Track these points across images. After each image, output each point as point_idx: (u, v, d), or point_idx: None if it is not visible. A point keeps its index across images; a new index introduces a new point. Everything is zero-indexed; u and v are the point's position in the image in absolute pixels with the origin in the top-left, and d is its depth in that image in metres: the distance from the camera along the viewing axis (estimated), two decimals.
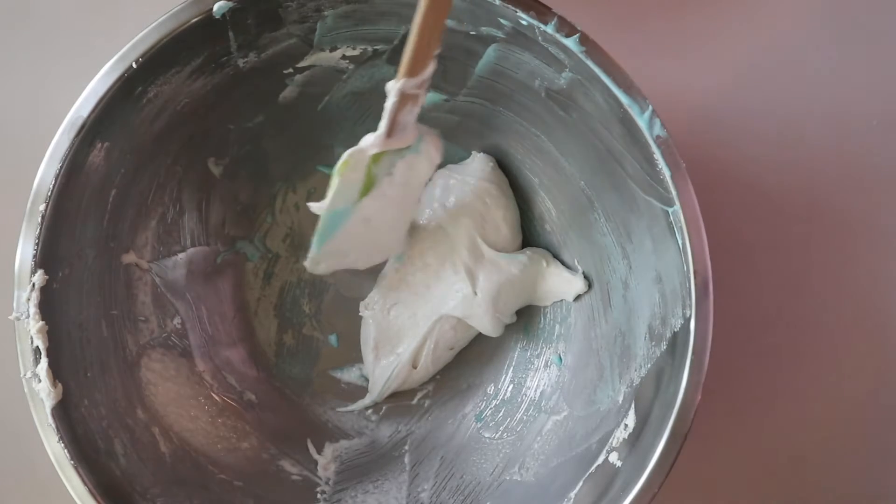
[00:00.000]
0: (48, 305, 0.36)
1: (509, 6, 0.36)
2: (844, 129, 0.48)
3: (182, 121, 0.41)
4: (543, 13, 0.36)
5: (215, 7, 0.37)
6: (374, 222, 0.41)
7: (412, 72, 0.35)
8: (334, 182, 0.38)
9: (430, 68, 0.35)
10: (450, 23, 0.38)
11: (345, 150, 0.44)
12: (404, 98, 0.36)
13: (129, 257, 0.41)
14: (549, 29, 0.36)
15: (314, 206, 0.39)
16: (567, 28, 0.36)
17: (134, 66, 0.37)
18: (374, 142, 0.38)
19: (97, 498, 0.35)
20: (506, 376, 0.46)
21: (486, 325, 0.43)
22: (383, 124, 0.37)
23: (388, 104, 0.37)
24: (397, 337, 0.45)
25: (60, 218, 0.37)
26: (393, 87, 0.36)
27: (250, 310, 0.47)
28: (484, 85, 0.42)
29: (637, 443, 0.36)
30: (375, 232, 0.42)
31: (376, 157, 0.39)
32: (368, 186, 0.39)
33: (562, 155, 0.42)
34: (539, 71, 0.39)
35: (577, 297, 0.44)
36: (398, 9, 0.39)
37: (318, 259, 0.41)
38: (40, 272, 0.36)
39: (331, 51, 0.42)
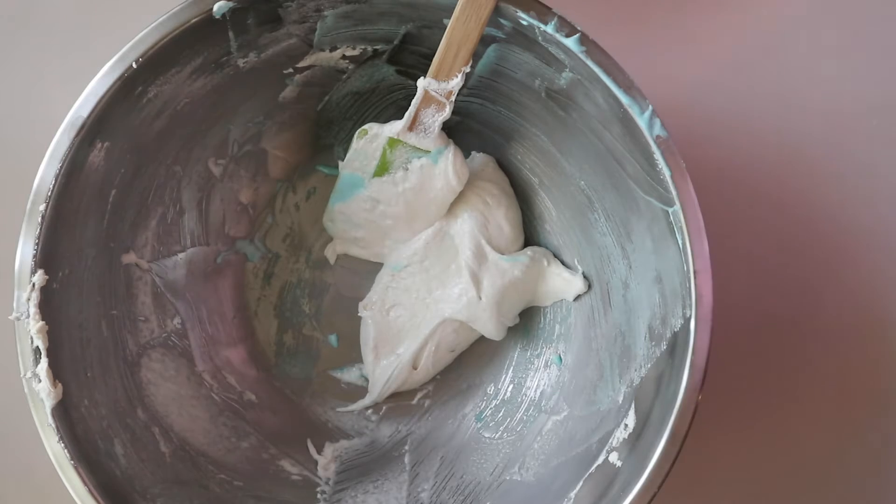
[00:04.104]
0: (48, 305, 0.36)
1: (509, 6, 0.36)
2: (845, 129, 0.48)
3: (182, 121, 0.41)
4: (543, 13, 0.36)
5: (215, 7, 0.37)
6: (382, 208, 0.44)
7: (437, 74, 0.38)
8: (352, 145, 0.43)
9: (456, 80, 0.38)
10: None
11: (344, 151, 0.44)
12: (428, 98, 0.39)
13: (129, 257, 0.41)
14: (549, 29, 0.36)
15: (340, 164, 0.44)
16: (567, 28, 0.36)
17: (134, 66, 0.37)
18: (394, 127, 0.41)
19: (97, 498, 0.35)
20: (506, 376, 0.46)
21: (490, 328, 0.43)
22: (406, 115, 0.40)
23: (414, 99, 0.39)
24: (397, 338, 0.45)
25: (60, 218, 0.37)
26: (419, 83, 0.39)
27: (250, 310, 0.47)
28: (484, 85, 0.42)
29: (637, 443, 0.36)
30: (382, 218, 0.44)
31: (393, 144, 0.41)
32: (383, 169, 0.42)
33: (562, 155, 0.42)
34: (539, 71, 0.39)
35: (577, 297, 0.44)
36: (398, 9, 0.39)
37: (332, 217, 0.46)
38: (40, 272, 0.36)
39: (331, 51, 0.42)
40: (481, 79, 0.42)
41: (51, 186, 0.36)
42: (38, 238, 0.36)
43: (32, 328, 0.36)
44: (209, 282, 0.46)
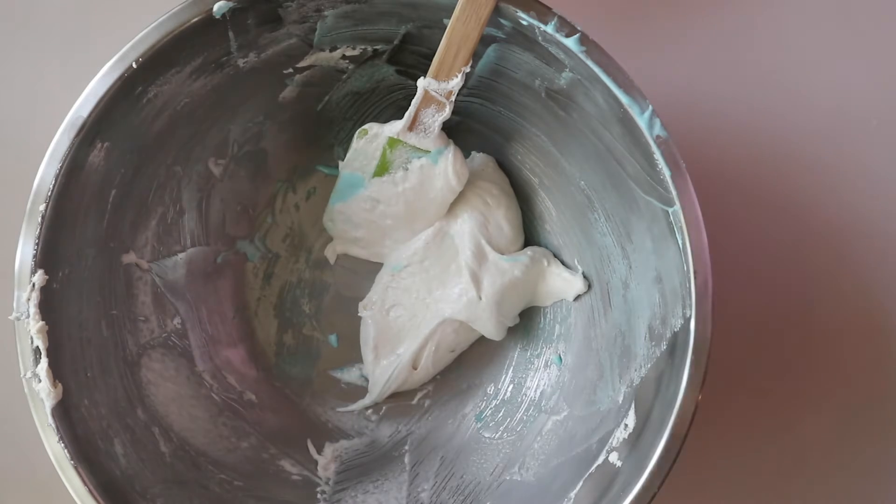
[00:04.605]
0: (48, 305, 0.36)
1: (509, 6, 0.36)
2: (845, 129, 0.48)
3: (182, 121, 0.41)
4: (543, 13, 0.36)
5: (215, 7, 0.37)
6: (382, 208, 0.44)
7: (437, 74, 0.38)
8: (352, 145, 0.43)
9: (456, 80, 0.38)
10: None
11: (344, 151, 0.44)
12: (428, 98, 0.39)
13: (129, 257, 0.41)
14: (549, 29, 0.36)
15: (340, 164, 0.44)
16: (567, 28, 0.36)
17: (134, 66, 0.37)
18: (394, 127, 0.41)
19: (97, 498, 0.35)
20: (506, 376, 0.46)
21: (491, 328, 0.43)
22: (406, 115, 0.40)
23: (414, 99, 0.39)
24: (397, 338, 0.45)
25: (60, 218, 0.37)
26: (419, 83, 0.39)
27: (250, 310, 0.47)
28: (484, 85, 0.42)
29: (637, 443, 0.36)
30: (382, 218, 0.44)
31: (393, 144, 0.41)
32: (383, 169, 0.42)
33: (562, 155, 0.42)
34: (539, 71, 0.39)
35: (577, 297, 0.44)
36: (398, 9, 0.39)
37: (332, 216, 0.46)
38: (40, 272, 0.36)
39: (331, 51, 0.42)
40: (481, 79, 0.42)
41: (51, 186, 0.36)
42: (38, 238, 0.36)
43: (32, 328, 0.36)
44: (209, 282, 0.46)
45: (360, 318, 0.46)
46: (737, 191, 0.47)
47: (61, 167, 0.36)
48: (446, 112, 0.40)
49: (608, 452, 0.37)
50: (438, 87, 0.39)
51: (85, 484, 0.35)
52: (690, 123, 0.47)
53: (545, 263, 0.44)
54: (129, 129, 0.39)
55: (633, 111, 0.35)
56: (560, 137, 0.41)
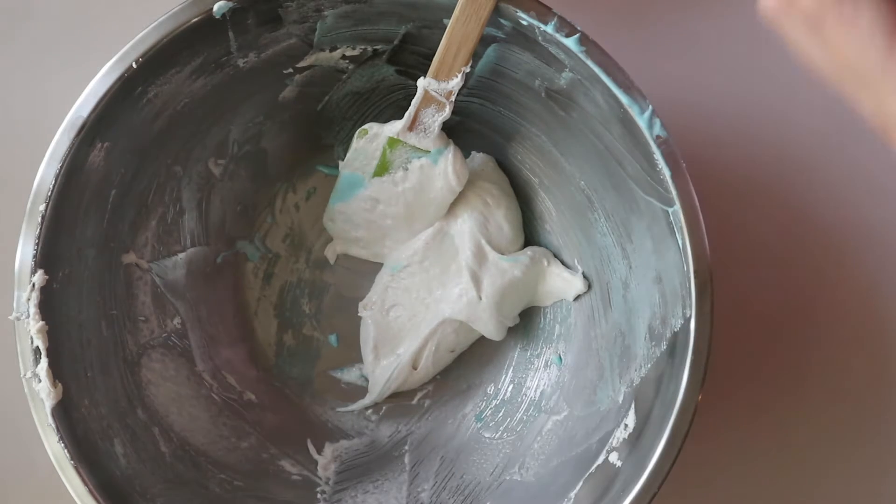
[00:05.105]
0: (48, 305, 0.36)
1: (509, 6, 0.36)
2: (845, 128, 0.47)
3: (182, 121, 0.41)
4: (543, 13, 0.36)
5: (215, 7, 0.37)
6: (382, 208, 0.44)
7: (437, 74, 0.38)
8: (352, 145, 0.43)
9: (456, 80, 0.38)
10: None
11: (344, 151, 0.45)
12: (428, 98, 0.39)
13: (129, 257, 0.41)
14: (549, 29, 0.36)
15: (340, 164, 0.44)
16: (567, 28, 0.36)
17: (134, 66, 0.37)
18: (394, 127, 0.41)
19: (97, 498, 0.35)
20: (506, 376, 0.46)
21: (491, 329, 0.43)
22: (406, 115, 0.40)
23: (414, 99, 0.39)
24: (397, 338, 0.45)
25: (60, 218, 0.37)
26: (419, 83, 0.39)
27: (250, 310, 0.47)
28: (484, 85, 0.42)
29: (637, 443, 0.36)
30: (382, 218, 0.44)
31: (393, 144, 0.41)
32: (383, 169, 0.42)
33: (562, 155, 0.42)
34: (539, 71, 0.39)
35: (577, 297, 0.44)
36: (398, 9, 0.39)
37: (332, 216, 0.46)
38: (40, 272, 0.36)
39: (331, 51, 0.42)
40: (481, 79, 0.42)
41: (51, 186, 0.36)
42: (38, 238, 0.36)
43: (32, 328, 0.36)
44: (209, 282, 0.46)
45: (360, 318, 0.46)
46: (737, 191, 0.47)
47: (61, 167, 0.36)
48: (446, 112, 0.40)
49: (608, 452, 0.37)
50: (438, 87, 0.39)
51: (85, 484, 0.35)
52: (690, 123, 0.47)
53: (545, 263, 0.44)
54: (129, 129, 0.39)
55: (633, 111, 0.35)
56: (560, 137, 0.41)
